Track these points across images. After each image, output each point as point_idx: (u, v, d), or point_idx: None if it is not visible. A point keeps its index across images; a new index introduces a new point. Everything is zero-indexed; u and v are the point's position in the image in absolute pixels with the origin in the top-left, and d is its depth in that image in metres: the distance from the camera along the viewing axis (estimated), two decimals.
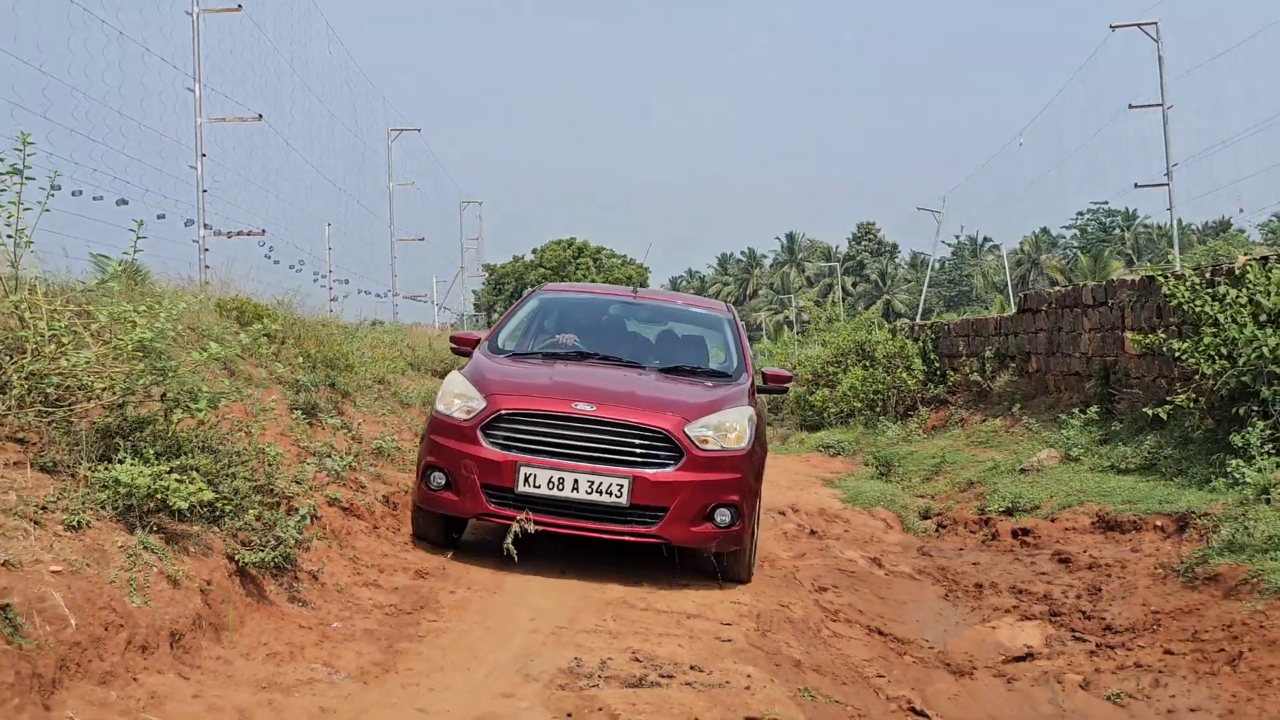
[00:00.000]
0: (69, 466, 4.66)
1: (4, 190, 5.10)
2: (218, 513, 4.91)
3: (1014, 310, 18.75)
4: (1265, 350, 9.82)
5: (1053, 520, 10.31)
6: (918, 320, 31.15)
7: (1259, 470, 8.81)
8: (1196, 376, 10.93)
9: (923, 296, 41.96)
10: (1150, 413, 11.29)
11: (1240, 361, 10.10)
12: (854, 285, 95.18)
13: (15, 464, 4.54)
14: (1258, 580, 6.95)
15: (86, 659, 3.60)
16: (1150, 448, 11.61)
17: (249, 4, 13.71)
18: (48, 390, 4.73)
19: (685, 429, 6.83)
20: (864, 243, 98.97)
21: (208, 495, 4.65)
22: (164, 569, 4.30)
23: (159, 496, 4.52)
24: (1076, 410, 13.84)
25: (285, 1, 16.89)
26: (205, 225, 13.87)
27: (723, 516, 6.83)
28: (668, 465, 6.76)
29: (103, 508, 4.46)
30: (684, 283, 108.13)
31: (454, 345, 8.53)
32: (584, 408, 6.80)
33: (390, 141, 26.62)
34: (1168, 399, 11.17)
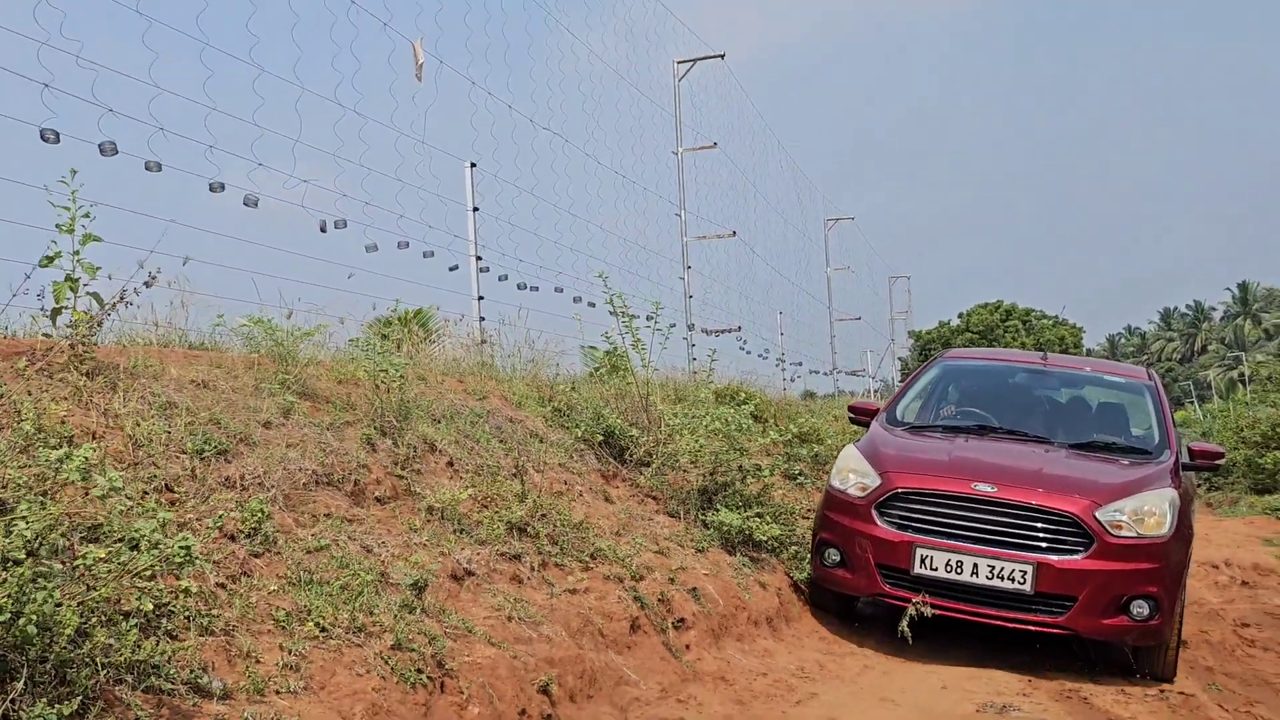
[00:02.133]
0: (685, 513, 7.18)
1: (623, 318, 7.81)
2: (780, 543, 7.28)
3: None
4: None
5: None
6: None
7: None
8: None
9: None
10: None
11: None
12: None
13: (655, 511, 7.12)
14: None
15: (728, 625, 6.02)
16: None
17: (722, 140, 16.70)
18: (671, 463, 7.33)
19: (1096, 513, 6.36)
20: None
21: (776, 531, 7.05)
22: (757, 578, 6.72)
23: (746, 532, 6.95)
24: None
25: (748, 133, 19.82)
26: (690, 325, 16.76)
27: (1139, 609, 6.32)
28: (1076, 552, 6.33)
29: (711, 540, 6.93)
30: (1122, 340, 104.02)
31: (852, 415, 8.44)
32: (984, 488, 6.46)
33: (826, 231, 29.22)
34: None
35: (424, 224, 8.60)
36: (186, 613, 3.14)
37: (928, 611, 6.32)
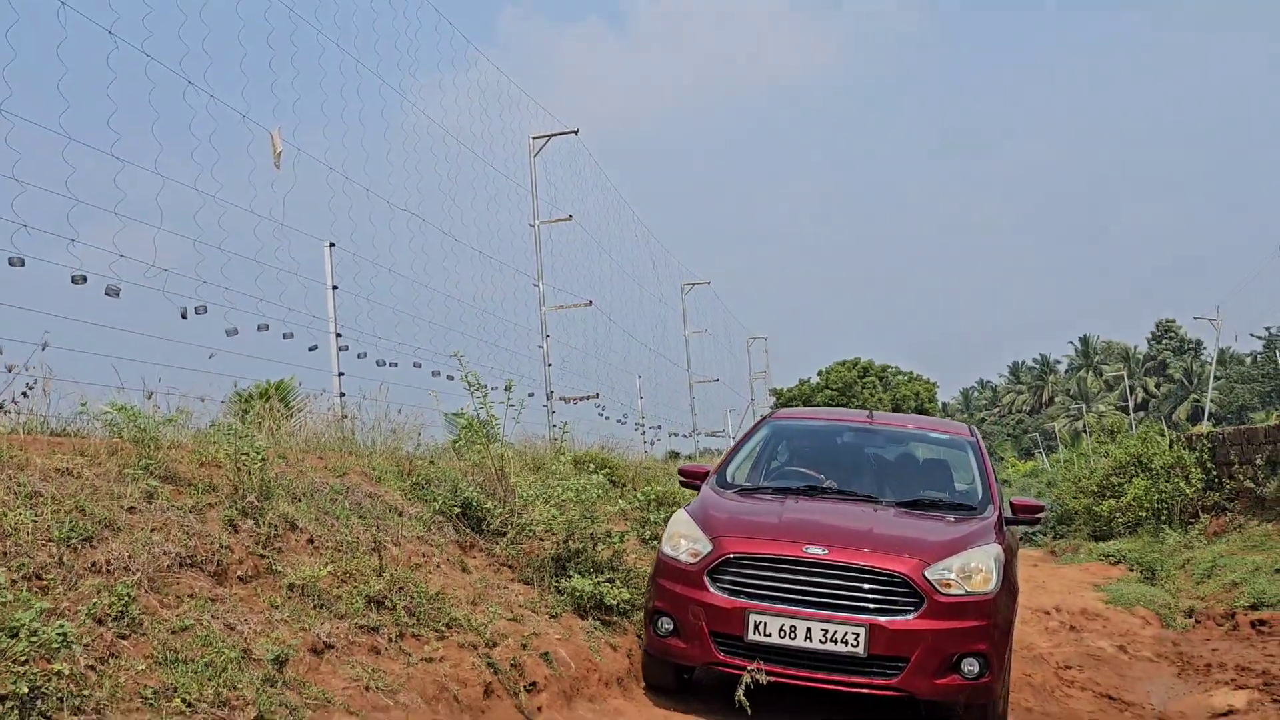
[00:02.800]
0: (539, 580, 7.51)
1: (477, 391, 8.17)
2: (631, 606, 7.66)
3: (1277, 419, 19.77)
4: None
5: None
6: (1202, 426, 31.55)
7: None
8: None
9: (1206, 402, 41.51)
10: None
11: None
12: (1157, 386, 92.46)
13: (510, 580, 7.44)
14: None
15: (580, 686, 6.37)
16: None
17: (577, 212, 17.26)
18: (527, 533, 7.67)
19: (925, 572, 6.35)
20: (1164, 341, 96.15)
21: (626, 595, 7.43)
22: (608, 640, 7.08)
23: (598, 596, 7.31)
24: None
25: (603, 205, 20.43)
26: (549, 394, 17.14)
27: (970, 667, 6.34)
28: (907, 612, 6.28)
29: (565, 605, 7.28)
30: (975, 393, 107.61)
31: (683, 479, 8.25)
32: (815, 551, 6.41)
33: (684, 296, 30.01)
34: None
35: (283, 306, 8.87)
36: (59, 694, 3.38)
37: (763, 679, 6.26)
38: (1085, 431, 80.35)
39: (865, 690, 6.34)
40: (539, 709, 5.94)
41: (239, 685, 4.07)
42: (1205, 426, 31.08)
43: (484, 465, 8.16)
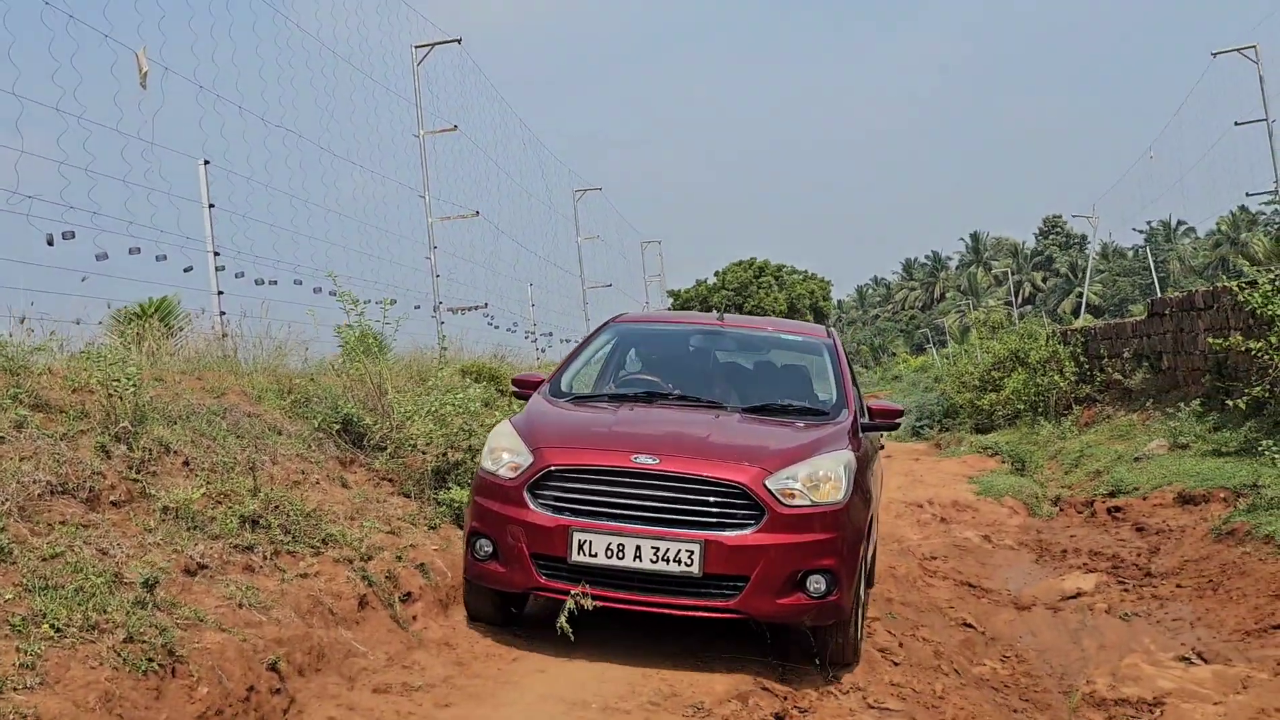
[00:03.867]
0: (419, 493, 7.71)
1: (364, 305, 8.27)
2: None
3: (1144, 314, 20.59)
4: None
5: (1144, 499, 12.55)
6: (1079, 322, 32.65)
7: None
8: (1271, 369, 13.01)
9: (1084, 297, 42.91)
10: (1231, 404, 13.40)
11: None
12: (1044, 280, 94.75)
13: (390, 494, 7.63)
14: (1253, 530, 9.25)
15: (457, 595, 6.61)
16: (1246, 433, 13.65)
17: (463, 123, 17.14)
18: (408, 446, 7.84)
19: (766, 482, 5.82)
20: (1051, 236, 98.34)
21: None
22: None
23: None
24: (1183, 404, 15.87)
25: (490, 116, 20.28)
26: (437, 305, 17.20)
27: (816, 585, 5.80)
28: (747, 526, 5.75)
29: (444, 516, 7.50)
30: (870, 290, 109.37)
31: (516, 389, 7.53)
32: (645, 460, 5.84)
33: (575, 202, 30.01)
34: (1246, 390, 13.26)
35: (155, 229, 8.80)
36: None
37: (588, 604, 5.72)
38: (972, 326, 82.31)
39: (701, 614, 5.82)
40: (414, 618, 6.18)
41: (109, 609, 4.21)
42: (1082, 320, 32.21)
43: (365, 381, 8.27)
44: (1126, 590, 9.20)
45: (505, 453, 6.18)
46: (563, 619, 5.73)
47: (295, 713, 4.73)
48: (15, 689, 3.53)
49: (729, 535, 5.74)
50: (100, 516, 5.12)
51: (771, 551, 5.74)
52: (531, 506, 5.92)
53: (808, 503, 5.89)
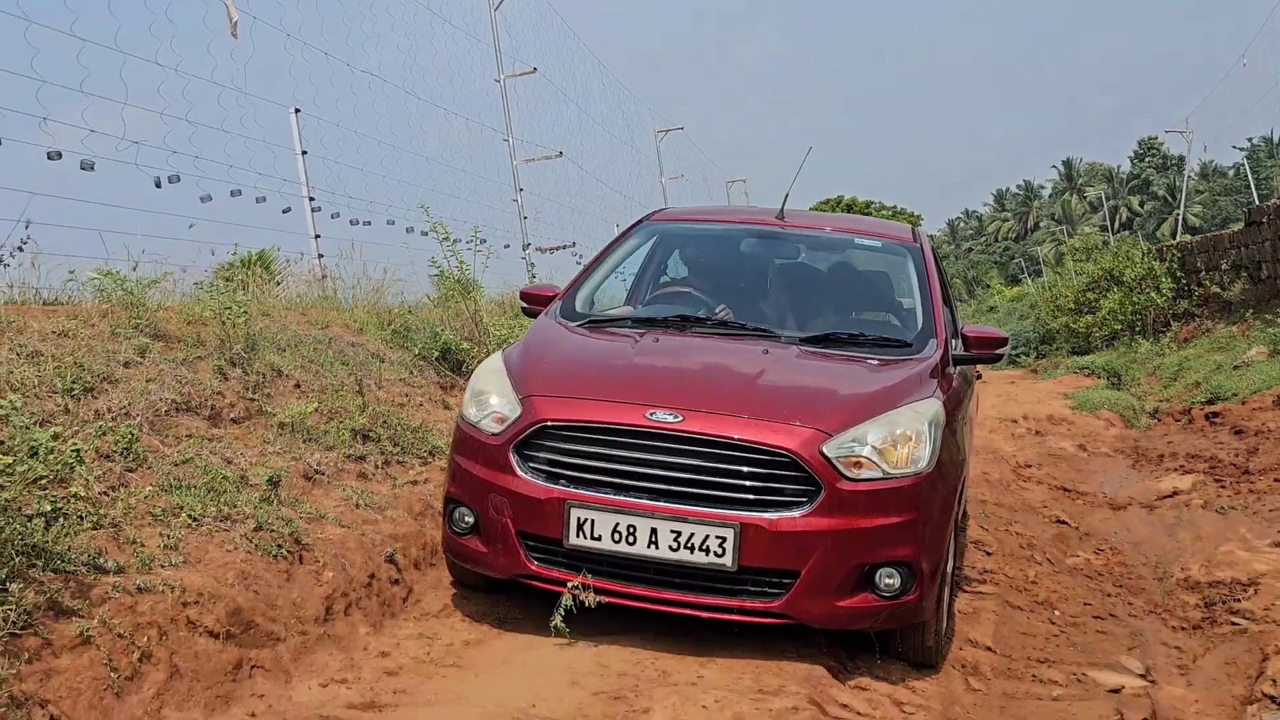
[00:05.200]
0: None
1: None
2: None
3: (1243, 224, 20.16)
4: None
5: (1243, 403, 12.43)
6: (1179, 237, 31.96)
7: None
8: None
9: (1181, 216, 41.87)
10: None
11: None
12: (1141, 205, 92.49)
13: None
14: None
15: None
16: None
17: (542, 66, 17.35)
18: None
19: (824, 447, 4.49)
20: (1147, 159, 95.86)
21: None
22: None
23: None
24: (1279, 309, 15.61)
25: (569, 58, 20.44)
26: (526, 245, 17.49)
27: (889, 581, 4.54)
28: (798, 505, 4.44)
29: None
30: (961, 224, 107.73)
31: (525, 305, 6.21)
32: (664, 418, 4.52)
33: (658, 143, 30.03)
34: None
35: (254, 172, 9.15)
36: (78, 513, 3.84)
37: (590, 600, 4.50)
38: (1067, 254, 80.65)
39: (736, 617, 4.53)
40: None
41: (238, 504, 4.55)
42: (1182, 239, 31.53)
43: (460, 312, 8.56)
44: (1223, 487, 9.19)
45: (493, 397, 4.87)
46: (557, 618, 4.51)
47: (413, 601, 5.04)
48: (162, 566, 3.86)
49: (774, 518, 4.42)
50: (222, 431, 5.45)
51: (830, 539, 4.42)
52: (519, 472, 4.63)
53: (879, 474, 4.53)
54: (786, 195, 6.61)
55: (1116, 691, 4.94)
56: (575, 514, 4.49)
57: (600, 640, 4.58)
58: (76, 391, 4.94)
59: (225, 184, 8.79)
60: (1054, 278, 39.95)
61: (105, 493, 4.22)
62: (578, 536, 4.50)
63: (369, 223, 10.98)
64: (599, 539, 4.48)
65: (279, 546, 4.41)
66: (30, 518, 3.54)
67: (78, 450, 3.51)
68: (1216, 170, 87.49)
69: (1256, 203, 22.94)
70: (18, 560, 3.41)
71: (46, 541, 3.50)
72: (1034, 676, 5.06)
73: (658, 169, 29.22)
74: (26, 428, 3.91)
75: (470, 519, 4.78)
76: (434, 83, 13.55)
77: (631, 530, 4.45)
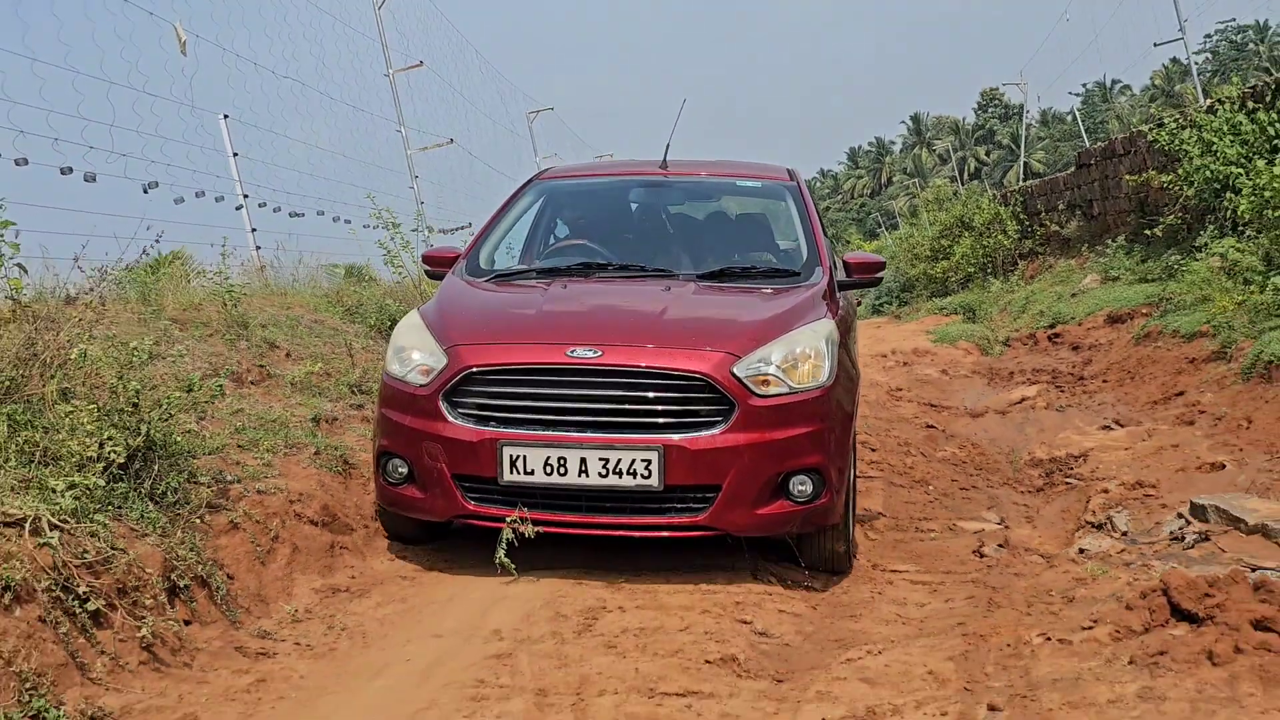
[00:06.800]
0: None
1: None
2: None
3: (1074, 167, 22.20)
4: (1209, 173, 13.45)
5: (1079, 325, 14.25)
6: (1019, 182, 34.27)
7: (1200, 261, 12.62)
8: (1180, 199, 14.65)
9: (1021, 164, 44.51)
10: (1150, 234, 15.08)
11: (1194, 186, 13.75)
12: (988, 154, 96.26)
13: None
14: (1164, 329, 10.94)
15: None
16: (1166, 259, 15.33)
17: (428, 59, 18.46)
18: None
19: (734, 369, 4.90)
20: (990, 109, 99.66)
21: None
22: None
23: None
24: (1111, 242, 17.56)
25: (450, 49, 21.54)
26: (428, 228, 18.56)
27: (802, 487, 4.96)
28: (714, 425, 4.84)
29: None
30: (818, 183, 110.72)
31: (429, 268, 6.62)
32: (584, 354, 4.89)
33: (531, 124, 31.18)
34: (1162, 221, 14.92)
35: (198, 171, 10.17)
36: (190, 447, 4.98)
37: (529, 532, 4.84)
38: (920, 206, 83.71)
39: (666, 534, 4.96)
40: None
41: (296, 437, 5.74)
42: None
43: (403, 286, 9.75)
44: (1062, 392, 10.89)
45: (415, 352, 5.22)
46: (500, 552, 4.85)
47: None
48: (266, 478, 5.06)
49: (693, 438, 4.82)
50: (247, 390, 6.60)
51: (746, 453, 4.84)
52: (450, 418, 4.97)
53: (786, 390, 4.96)
54: (668, 145, 7.12)
55: (979, 533, 6.44)
56: (507, 452, 4.82)
57: (543, 575, 5.01)
58: (136, 364, 6.05)
59: (189, 187, 9.81)
60: (910, 229, 42.19)
61: (192, 432, 5.39)
62: (511, 473, 4.83)
63: (302, 214, 12.05)
64: (532, 473, 4.81)
65: (336, 465, 5.64)
66: (154, 443, 4.70)
67: (220, 385, 4.69)
68: (1056, 116, 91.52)
69: (1087, 146, 25.06)
70: (187, 470, 4.60)
71: (195, 456, 4.69)
72: (916, 528, 6.53)
73: (533, 148, 30.37)
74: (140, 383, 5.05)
75: (405, 469, 5.11)
76: (341, 81, 14.60)
77: (562, 462, 4.78)
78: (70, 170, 8.33)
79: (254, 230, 11.49)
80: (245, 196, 11.49)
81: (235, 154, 11.48)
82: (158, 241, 9.13)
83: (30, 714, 3.13)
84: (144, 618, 3.76)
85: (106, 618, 3.66)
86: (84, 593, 3.60)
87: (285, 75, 12.10)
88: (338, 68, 14.65)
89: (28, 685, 3.19)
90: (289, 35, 12.79)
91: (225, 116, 11.43)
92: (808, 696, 3.64)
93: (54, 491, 3.81)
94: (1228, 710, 3.07)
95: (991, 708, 3.41)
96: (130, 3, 8.99)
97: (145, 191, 8.93)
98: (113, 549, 3.81)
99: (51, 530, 3.65)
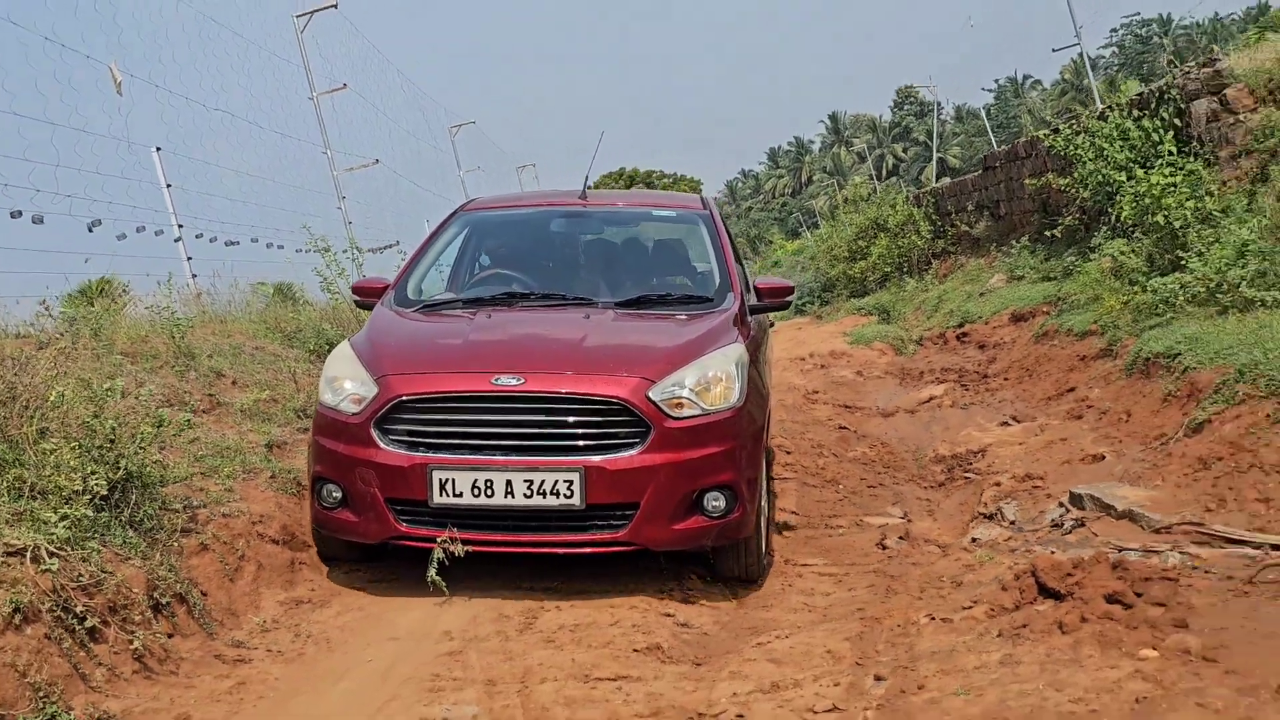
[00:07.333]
0: None
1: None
2: None
3: (980, 169, 23.08)
4: (1100, 177, 14.26)
5: (985, 323, 15.02)
6: (931, 184, 35.26)
7: (1093, 262, 13.42)
8: (1078, 201, 15.48)
9: (936, 163, 45.67)
10: (1050, 234, 15.90)
11: (1089, 188, 14.55)
12: (904, 151, 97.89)
13: None
14: (1059, 328, 11.69)
15: None
16: (1066, 258, 16.15)
17: (351, 80, 18.83)
18: None
19: (649, 393, 5.19)
20: (906, 107, 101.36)
21: None
22: None
23: None
24: (1015, 242, 18.40)
25: (376, 72, 21.90)
26: (357, 248, 18.92)
27: (715, 503, 5.26)
28: (632, 446, 5.14)
29: None
30: (739, 184, 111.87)
31: (358, 299, 6.91)
32: (508, 381, 5.15)
33: (453, 138, 31.53)
34: (1061, 222, 15.75)
35: (137, 207, 10.52)
36: (160, 476, 5.38)
37: (458, 550, 5.09)
38: (840, 205, 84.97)
39: (588, 550, 5.23)
40: None
41: (251, 462, 6.19)
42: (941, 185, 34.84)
43: (338, 311, 10.18)
44: (967, 390, 11.60)
45: (347, 381, 5.48)
46: (432, 571, 5.09)
47: None
48: (228, 502, 5.52)
49: (612, 459, 5.11)
50: (201, 419, 7.02)
51: (662, 472, 5.13)
52: (382, 445, 5.23)
53: (699, 411, 5.27)
54: (586, 177, 7.58)
55: (883, 527, 7.05)
56: (437, 476, 5.09)
57: (487, 583, 5.45)
58: (111, 402, 6.46)
59: (127, 223, 10.16)
60: (829, 229, 43.12)
61: (158, 462, 5.82)
62: (441, 495, 5.10)
63: (237, 242, 12.41)
64: (460, 495, 5.09)
65: (291, 488, 6.10)
66: (130, 474, 5.15)
67: (189, 419, 5.15)
68: (970, 112, 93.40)
69: (994, 147, 26.01)
70: (159, 498, 5.05)
71: (165, 484, 5.15)
72: (826, 525, 7.14)
73: (456, 164, 30.74)
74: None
75: (339, 493, 5.36)
76: (268, 109, 14.94)
77: (489, 484, 5.06)
78: (19, 214, 8.67)
79: (189, 259, 11.83)
80: (181, 227, 11.84)
81: (169, 185, 11.81)
82: (86, 262, 9.46)
83: (46, 718, 3.60)
84: (134, 632, 4.24)
85: (102, 633, 4.13)
86: (81, 612, 4.07)
87: (215, 107, 12.46)
88: (265, 96, 14.93)
89: (41, 694, 3.66)
90: (218, 68, 13.11)
91: (158, 149, 11.76)
92: (722, 676, 4.20)
93: (47, 523, 4.25)
94: (1069, 670, 3.66)
95: (877, 677, 3.98)
96: (68, 48, 9.32)
97: (90, 230, 9.27)
98: (103, 572, 4.28)
99: (50, 558, 4.11)
